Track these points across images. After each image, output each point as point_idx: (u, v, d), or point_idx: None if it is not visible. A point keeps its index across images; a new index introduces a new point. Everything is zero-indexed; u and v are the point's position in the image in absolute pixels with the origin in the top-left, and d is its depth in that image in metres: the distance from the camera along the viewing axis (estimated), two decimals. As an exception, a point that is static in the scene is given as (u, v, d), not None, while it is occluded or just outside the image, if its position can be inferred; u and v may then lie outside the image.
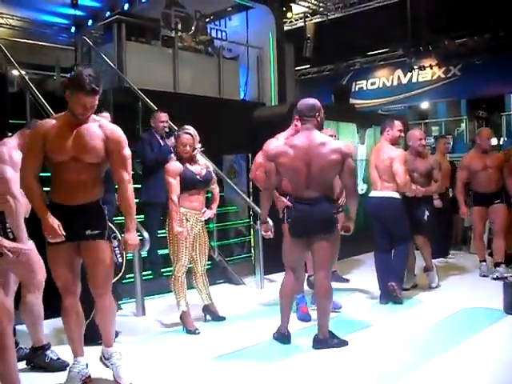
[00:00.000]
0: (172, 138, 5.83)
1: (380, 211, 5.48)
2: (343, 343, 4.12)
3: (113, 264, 3.53)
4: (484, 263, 6.62)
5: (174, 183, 4.49)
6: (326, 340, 4.08)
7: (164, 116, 6.12)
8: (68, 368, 3.48)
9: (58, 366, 3.69)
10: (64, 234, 3.19)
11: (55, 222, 3.19)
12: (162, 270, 6.08)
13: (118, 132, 3.41)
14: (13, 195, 3.54)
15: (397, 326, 4.69)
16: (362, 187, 8.39)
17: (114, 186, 3.75)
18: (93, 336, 3.73)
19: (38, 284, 3.71)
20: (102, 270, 3.39)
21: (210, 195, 4.93)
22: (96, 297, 3.43)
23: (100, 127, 3.37)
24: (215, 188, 4.89)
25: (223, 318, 4.88)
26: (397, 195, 5.42)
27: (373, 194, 5.60)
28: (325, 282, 4.10)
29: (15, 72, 7.26)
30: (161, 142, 6.03)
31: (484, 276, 6.48)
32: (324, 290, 4.11)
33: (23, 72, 7.14)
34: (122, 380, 3.45)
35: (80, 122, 3.30)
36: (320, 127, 4.22)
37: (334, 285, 6.14)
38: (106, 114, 4.25)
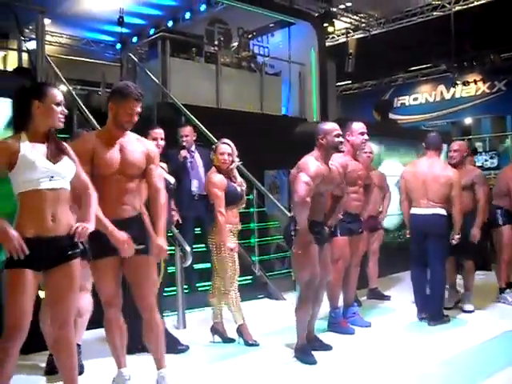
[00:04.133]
0: (182, 151, 5.89)
1: (426, 228, 5.31)
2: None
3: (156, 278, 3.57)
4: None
5: (222, 196, 4.50)
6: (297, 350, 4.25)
7: (186, 130, 6.14)
8: (112, 379, 3.51)
9: None
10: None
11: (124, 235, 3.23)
12: (197, 285, 6.08)
13: (153, 145, 3.56)
14: None
15: (437, 346, 4.58)
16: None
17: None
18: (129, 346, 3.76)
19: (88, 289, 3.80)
20: (148, 283, 3.40)
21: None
22: (143, 311, 3.41)
23: (138, 141, 3.45)
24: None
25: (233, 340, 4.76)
26: (444, 212, 5.29)
27: (416, 211, 5.41)
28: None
29: (63, 87, 7.44)
30: (179, 156, 6.05)
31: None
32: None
33: (71, 87, 7.33)
34: None
35: (122, 135, 3.35)
36: (329, 149, 4.25)
37: (376, 302, 6.23)
38: (160, 131, 4.31)
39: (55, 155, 2.88)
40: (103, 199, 3.24)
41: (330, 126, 4.32)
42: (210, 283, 5.78)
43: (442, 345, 4.61)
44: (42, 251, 2.77)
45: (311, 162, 4.15)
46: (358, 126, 5.04)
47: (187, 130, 6.15)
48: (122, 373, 3.48)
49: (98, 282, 3.39)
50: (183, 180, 5.88)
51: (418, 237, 5.42)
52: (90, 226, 2.95)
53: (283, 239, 4.36)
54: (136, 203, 3.41)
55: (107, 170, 3.28)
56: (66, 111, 2.96)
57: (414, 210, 5.45)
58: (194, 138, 6.25)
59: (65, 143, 3.02)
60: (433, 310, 5.30)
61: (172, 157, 6.08)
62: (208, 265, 5.78)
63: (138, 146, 3.40)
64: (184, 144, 6.05)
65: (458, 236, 5.26)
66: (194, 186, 6.03)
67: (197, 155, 6.17)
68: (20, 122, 2.88)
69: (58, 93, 2.94)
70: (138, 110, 3.34)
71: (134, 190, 3.38)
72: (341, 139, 4.31)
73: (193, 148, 6.18)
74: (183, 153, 5.99)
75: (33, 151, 2.81)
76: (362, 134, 5.05)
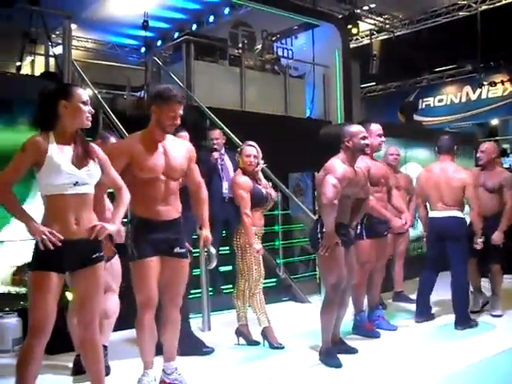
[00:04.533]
0: (214, 154, 5.92)
1: (443, 231, 5.28)
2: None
3: None
4: None
5: (247, 198, 4.51)
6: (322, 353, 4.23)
7: (216, 133, 6.17)
8: (138, 379, 3.53)
9: None
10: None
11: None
12: (222, 287, 6.09)
13: (189, 144, 3.66)
14: None
15: (463, 351, 4.52)
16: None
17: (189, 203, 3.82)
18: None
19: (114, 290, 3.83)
20: (182, 286, 3.51)
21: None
22: (170, 310, 3.50)
23: (175, 141, 3.53)
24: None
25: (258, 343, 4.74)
26: (461, 214, 5.25)
27: (434, 214, 5.37)
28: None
29: (89, 91, 7.53)
30: (211, 158, 6.08)
31: None
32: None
33: (96, 91, 7.41)
34: None
35: (164, 138, 3.42)
36: (355, 152, 4.25)
37: (401, 305, 6.17)
38: (185, 134, 4.35)
39: (81, 159, 2.88)
40: (144, 200, 3.32)
41: (356, 129, 4.31)
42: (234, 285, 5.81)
43: (469, 349, 4.55)
44: (66, 254, 2.80)
45: (338, 165, 4.14)
46: (376, 128, 5.02)
47: (217, 133, 6.19)
48: (148, 374, 3.49)
49: (141, 282, 3.38)
50: (214, 182, 5.90)
51: (435, 240, 5.39)
52: (111, 228, 2.97)
53: (309, 242, 4.34)
54: (178, 205, 3.48)
55: (152, 174, 3.33)
56: (92, 110, 2.97)
57: (431, 214, 5.45)
58: (224, 141, 6.28)
59: (93, 145, 3.04)
60: (459, 313, 5.24)
61: (203, 159, 6.12)
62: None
63: (179, 149, 3.49)
64: (215, 147, 6.09)
65: (480, 240, 5.18)
66: (225, 188, 6.05)
67: (226, 158, 6.19)
68: (47, 123, 2.88)
69: (84, 92, 2.96)
70: (181, 112, 3.39)
71: (176, 192, 3.47)
72: (366, 141, 4.30)
73: (222, 151, 6.21)
74: (215, 155, 6.03)
75: (59, 154, 2.81)
76: (380, 135, 5.03)
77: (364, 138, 4.27)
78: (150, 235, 3.32)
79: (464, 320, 5.21)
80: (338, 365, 4.10)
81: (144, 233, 3.32)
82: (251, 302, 4.61)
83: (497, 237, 5.53)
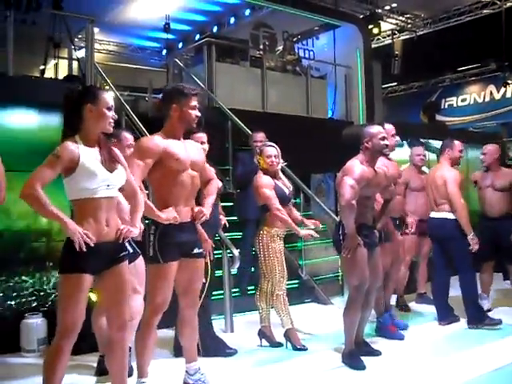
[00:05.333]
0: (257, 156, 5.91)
1: (438, 233, 5.39)
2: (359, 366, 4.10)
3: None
4: None
5: (273, 194, 4.51)
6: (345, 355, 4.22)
7: (259, 136, 6.14)
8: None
9: None
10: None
11: None
12: (248, 288, 6.06)
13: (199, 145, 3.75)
14: None
15: (488, 354, 4.44)
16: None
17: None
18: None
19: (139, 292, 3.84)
20: (200, 285, 3.59)
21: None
22: (189, 310, 3.55)
23: (192, 143, 3.64)
24: (292, 209, 4.86)
25: (281, 345, 4.72)
26: (452, 216, 5.20)
27: (431, 214, 5.45)
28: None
29: (111, 93, 7.58)
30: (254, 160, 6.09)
31: None
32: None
33: (118, 93, 7.45)
34: None
35: (181, 137, 3.48)
36: (375, 153, 4.22)
37: (424, 307, 6.10)
38: (202, 135, 4.36)
39: (110, 162, 2.93)
40: (172, 201, 3.36)
41: (376, 130, 4.28)
42: (253, 287, 5.81)
43: (494, 353, 4.47)
44: (97, 256, 2.82)
45: (356, 166, 4.13)
46: (390, 128, 5.00)
47: (260, 136, 6.17)
48: (144, 383, 3.47)
49: (159, 285, 3.38)
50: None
51: (433, 241, 5.57)
52: (135, 231, 3.02)
53: (332, 244, 4.32)
54: (194, 206, 3.51)
55: (183, 166, 3.38)
56: (116, 116, 3.00)
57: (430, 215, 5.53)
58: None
59: (115, 149, 3.08)
60: (469, 312, 5.23)
61: (244, 160, 6.14)
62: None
63: (194, 147, 3.60)
64: (258, 150, 6.09)
65: (470, 237, 5.09)
66: None
67: None
68: (72, 126, 2.91)
69: (110, 97, 2.99)
70: (198, 105, 3.49)
71: (196, 191, 3.53)
72: (386, 142, 4.27)
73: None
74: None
75: (91, 158, 2.85)
76: (394, 135, 5.04)
77: (383, 138, 4.24)
78: (174, 238, 3.35)
79: (475, 318, 5.18)
80: (362, 367, 4.07)
81: (169, 236, 3.34)
82: (274, 303, 4.59)
83: None
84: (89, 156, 2.85)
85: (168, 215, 3.28)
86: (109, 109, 2.95)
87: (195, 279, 3.53)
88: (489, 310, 5.70)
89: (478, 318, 5.20)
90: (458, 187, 5.15)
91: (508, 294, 6.65)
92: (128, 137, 4.03)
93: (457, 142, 5.38)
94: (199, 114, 3.49)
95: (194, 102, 3.43)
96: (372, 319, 4.99)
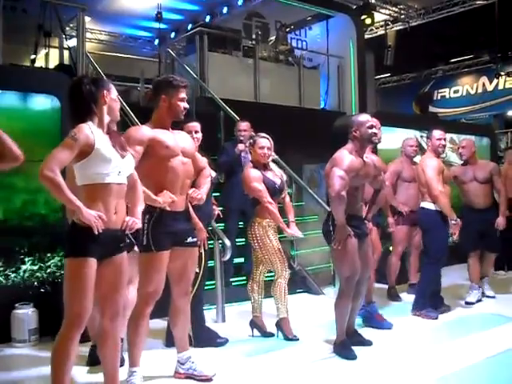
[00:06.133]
0: (239, 145, 5.88)
1: (419, 223, 5.55)
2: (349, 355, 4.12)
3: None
4: None
5: (264, 188, 4.50)
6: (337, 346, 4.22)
7: (243, 125, 6.15)
8: (126, 380, 3.44)
9: None
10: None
11: None
12: (231, 280, 6.06)
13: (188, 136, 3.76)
14: None
15: (479, 343, 4.46)
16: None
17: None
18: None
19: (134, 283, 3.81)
20: (193, 274, 3.60)
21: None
22: (182, 299, 3.56)
23: (182, 133, 3.68)
24: (286, 197, 4.85)
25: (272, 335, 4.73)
26: (431, 206, 5.24)
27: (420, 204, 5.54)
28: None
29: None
30: (236, 149, 6.06)
31: None
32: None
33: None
34: (205, 374, 3.61)
35: (170, 126, 3.50)
36: (363, 142, 4.18)
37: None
38: (195, 124, 4.34)
39: (121, 149, 2.95)
40: (166, 187, 3.35)
41: (364, 118, 4.25)
42: (243, 278, 5.81)
43: (483, 342, 4.48)
44: (104, 242, 2.81)
45: (345, 156, 4.10)
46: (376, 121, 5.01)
47: (244, 125, 6.16)
48: (137, 372, 3.44)
49: (153, 274, 3.39)
50: (236, 173, 5.86)
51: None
52: (139, 222, 3.03)
53: (322, 234, 4.31)
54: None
55: (174, 152, 3.40)
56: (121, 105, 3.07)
57: None
58: (251, 133, 6.22)
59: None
60: (414, 300, 5.38)
61: (227, 149, 6.13)
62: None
63: (184, 136, 3.63)
64: (241, 138, 6.06)
65: (453, 222, 5.15)
66: None
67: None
68: (88, 112, 2.89)
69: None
70: (186, 97, 3.52)
71: (190, 179, 3.56)
72: (374, 130, 4.22)
73: (248, 143, 6.15)
74: (240, 147, 5.99)
75: (106, 144, 2.86)
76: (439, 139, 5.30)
77: (372, 126, 4.20)
78: (168, 227, 3.36)
79: (415, 305, 5.32)
80: (353, 357, 4.08)
81: (162, 225, 3.35)
82: (273, 290, 4.59)
83: (500, 221, 5.92)
84: (103, 141, 2.87)
85: (164, 199, 3.30)
86: (117, 97, 3.04)
87: (188, 268, 3.54)
88: (489, 297, 6.07)
89: (418, 306, 5.30)
90: (436, 174, 5.17)
91: (498, 284, 6.72)
92: None
93: (435, 131, 5.39)
94: (187, 106, 3.52)
95: (183, 94, 3.47)
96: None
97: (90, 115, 2.89)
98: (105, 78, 7.09)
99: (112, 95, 2.97)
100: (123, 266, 2.98)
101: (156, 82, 3.68)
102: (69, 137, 2.78)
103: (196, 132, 4.29)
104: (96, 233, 2.72)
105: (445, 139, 5.40)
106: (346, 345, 4.19)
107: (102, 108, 2.93)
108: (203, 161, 3.77)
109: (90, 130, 2.82)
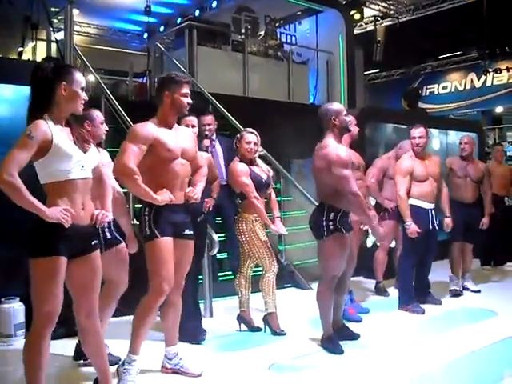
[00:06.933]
0: (205, 141, 5.80)
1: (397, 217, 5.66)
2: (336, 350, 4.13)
3: None
4: None
5: (251, 183, 4.50)
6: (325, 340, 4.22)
7: (208, 119, 5.99)
8: (123, 369, 3.43)
9: None
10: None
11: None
12: (218, 275, 6.05)
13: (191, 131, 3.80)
14: None
15: (464, 337, 4.49)
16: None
17: None
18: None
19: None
20: (188, 267, 3.60)
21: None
22: (175, 293, 3.54)
23: (184, 130, 3.73)
24: (272, 193, 4.84)
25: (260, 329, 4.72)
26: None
27: None
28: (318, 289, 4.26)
29: (91, 77, 7.49)
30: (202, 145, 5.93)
31: None
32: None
33: (98, 77, 7.36)
34: (192, 370, 3.60)
35: (174, 124, 3.53)
36: (342, 130, 4.18)
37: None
38: (192, 118, 4.32)
39: (82, 143, 2.88)
40: (167, 186, 3.38)
41: (339, 106, 4.25)
42: (230, 273, 5.80)
43: (470, 336, 4.51)
44: (73, 239, 2.75)
45: (340, 150, 4.04)
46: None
47: (209, 119, 5.98)
48: (136, 361, 3.43)
49: (161, 261, 3.37)
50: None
51: None
52: (110, 215, 3.01)
53: (311, 230, 4.29)
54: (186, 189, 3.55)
55: (175, 155, 3.42)
56: (87, 98, 2.90)
57: None
58: (216, 127, 6.13)
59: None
60: (398, 296, 5.45)
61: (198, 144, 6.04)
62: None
63: (186, 134, 3.63)
64: (207, 133, 5.92)
65: (406, 225, 5.24)
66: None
67: (217, 144, 6.05)
68: (42, 105, 2.75)
69: (83, 78, 2.90)
70: (189, 92, 3.55)
71: (188, 177, 3.57)
72: (350, 117, 4.24)
73: (214, 137, 6.05)
74: (206, 142, 5.83)
75: (64, 138, 2.75)
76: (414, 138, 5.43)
77: (347, 114, 4.23)
78: (168, 218, 3.40)
79: (402, 301, 5.38)
80: (340, 351, 4.09)
81: (162, 216, 3.38)
82: (262, 285, 4.59)
83: (485, 221, 6.23)
84: (62, 136, 2.75)
85: (163, 197, 3.31)
86: (82, 89, 2.85)
87: (184, 260, 3.55)
88: (474, 291, 6.18)
89: (403, 301, 5.36)
90: (403, 176, 5.32)
91: (483, 279, 6.80)
92: (99, 115, 3.93)
93: (413, 130, 5.48)
94: (191, 101, 3.54)
95: (186, 90, 3.50)
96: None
97: (47, 106, 2.76)
98: (92, 70, 7.16)
99: (74, 87, 2.79)
100: (97, 263, 2.92)
101: (159, 79, 3.72)
102: (24, 135, 2.64)
103: (193, 126, 4.29)
104: (66, 226, 2.67)
105: (421, 137, 5.40)
106: (333, 339, 4.20)
107: (59, 100, 2.77)
108: (202, 159, 3.81)
109: (46, 126, 2.69)
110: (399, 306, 5.37)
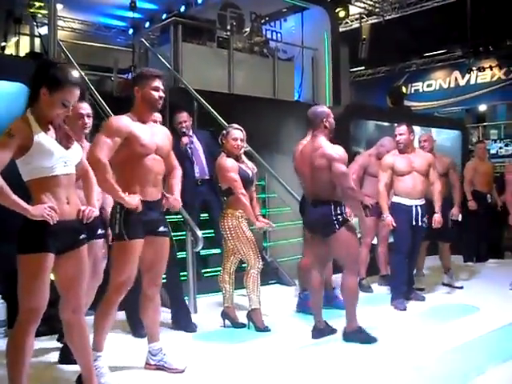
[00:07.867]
0: (183, 139, 5.78)
1: None
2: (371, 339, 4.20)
3: None
4: None
5: (239, 179, 4.52)
6: (353, 333, 4.23)
7: (183, 116, 5.93)
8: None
9: None
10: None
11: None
12: (203, 271, 6.03)
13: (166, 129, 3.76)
14: None
15: (448, 333, 4.53)
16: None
17: None
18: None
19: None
20: (165, 264, 3.60)
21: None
22: (153, 289, 3.57)
23: (160, 127, 3.69)
24: (254, 190, 4.86)
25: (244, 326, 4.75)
26: (394, 199, 5.53)
27: None
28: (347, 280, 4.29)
29: (76, 73, 7.43)
30: (181, 143, 5.81)
31: None
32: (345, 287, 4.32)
33: (83, 73, 7.31)
34: (175, 366, 3.60)
35: (148, 120, 3.52)
36: (331, 131, 4.33)
37: (387, 289, 6.19)
38: (158, 115, 4.29)
39: (65, 140, 2.87)
40: (140, 181, 3.39)
41: (327, 109, 4.42)
42: (217, 269, 5.80)
43: (453, 332, 4.55)
44: (59, 234, 2.77)
45: (339, 149, 4.18)
46: None
47: (185, 116, 5.93)
48: (101, 356, 3.42)
49: (126, 262, 3.37)
50: (186, 167, 5.76)
51: None
52: (96, 211, 3.01)
53: (321, 227, 4.26)
54: (161, 186, 3.55)
55: (149, 150, 3.40)
56: (69, 112, 2.89)
57: None
58: (191, 123, 6.09)
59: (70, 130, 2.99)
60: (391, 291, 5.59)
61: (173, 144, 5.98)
62: (216, 250, 5.82)
63: (162, 131, 3.62)
64: (184, 130, 5.89)
65: (382, 218, 5.47)
66: (196, 171, 5.89)
67: (195, 140, 6.02)
68: (31, 102, 2.81)
69: (73, 90, 2.85)
70: (162, 87, 3.50)
71: (162, 173, 3.54)
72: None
73: (190, 133, 6.03)
74: (184, 140, 5.81)
75: (46, 136, 2.77)
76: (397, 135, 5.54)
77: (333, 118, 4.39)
78: (141, 216, 3.36)
79: (392, 294, 5.48)
80: (374, 339, 4.20)
81: (134, 214, 3.33)
82: (246, 281, 4.59)
83: (456, 211, 6.50)
84: (43, 134, 2.77)
85: (131, 200, 3.28)
86: (64, 105, 2.81)
87: (159, 257, 3.54)
88: (457, 288, 6.25)
89: (396, 295, 5.45)
90: (383, 171, 5.51)
91: (466, 275, 6.88)
92: (86, 107, 3.87)
93: (397, 127, 5.58)
94: (163, 95, 3.50)
95: (156, 83, 3.46)
96: (295, 295, 5.43)
97: (32, 104, 2.79)
98: (76, 66, 7.09)
99: (55, 96, 2.76)
100: (84, 258, 2.94)
101: (133, 76, 3.72)
102: (5, 134, 2.67)
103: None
104: (52, 223, 2.68)
105: (402, 134, 5.48)
106: (362, 330, 4.25)
107: (41, 104, 2.78)
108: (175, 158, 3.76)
109: (27, 124, 2.73)
110: (392, 302, 5.43)
